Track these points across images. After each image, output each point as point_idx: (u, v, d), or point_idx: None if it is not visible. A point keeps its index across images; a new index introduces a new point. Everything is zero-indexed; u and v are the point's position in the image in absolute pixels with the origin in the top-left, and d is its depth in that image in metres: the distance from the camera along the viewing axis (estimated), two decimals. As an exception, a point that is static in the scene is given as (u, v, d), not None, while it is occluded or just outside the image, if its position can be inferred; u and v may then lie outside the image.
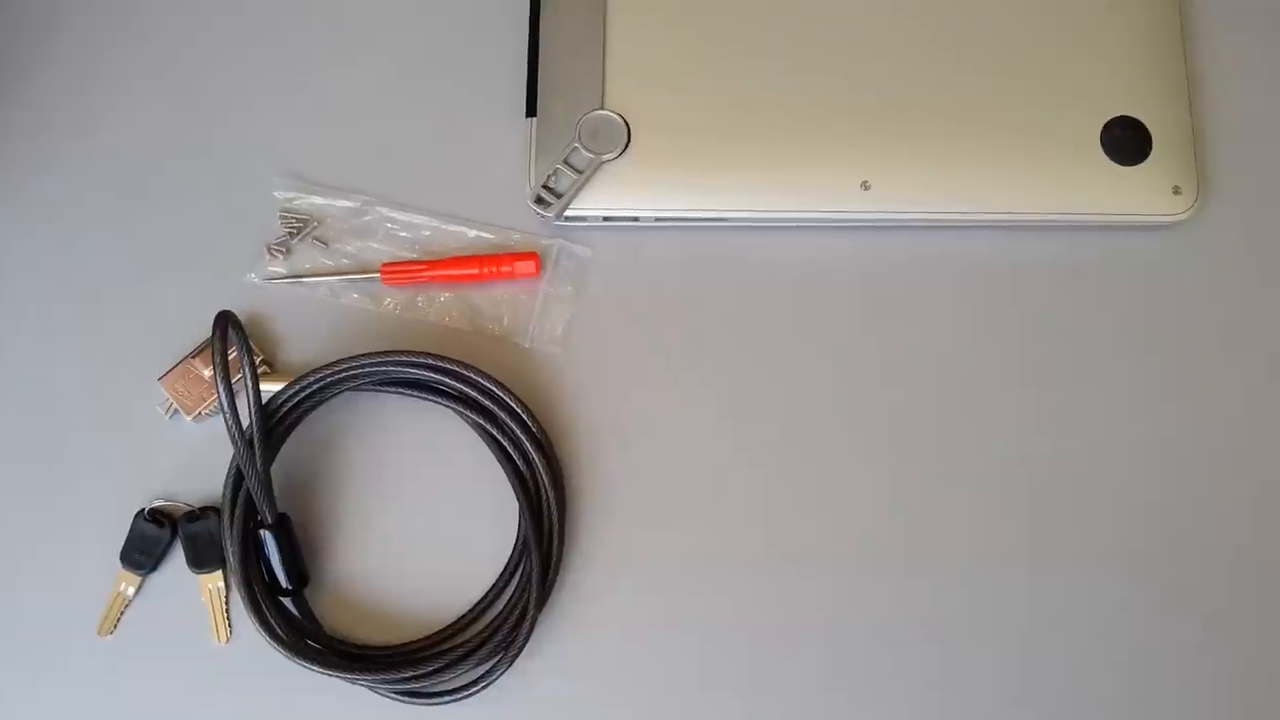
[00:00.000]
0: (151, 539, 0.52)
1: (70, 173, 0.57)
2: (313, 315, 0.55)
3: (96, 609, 0.52)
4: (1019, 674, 0.52)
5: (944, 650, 0.52)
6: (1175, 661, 0.52)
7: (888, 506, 0.53)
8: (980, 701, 0.51)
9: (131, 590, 0.52)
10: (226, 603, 0.52)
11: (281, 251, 0.56)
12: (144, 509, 0.52)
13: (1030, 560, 0.53)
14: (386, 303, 0.55)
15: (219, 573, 0.52)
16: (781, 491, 0.53)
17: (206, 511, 0.52)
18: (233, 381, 0.49)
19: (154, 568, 0.52)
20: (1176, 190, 0.55)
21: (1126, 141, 0.55)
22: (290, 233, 0.56)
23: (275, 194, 0.56)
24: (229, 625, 0.52)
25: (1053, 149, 0.54)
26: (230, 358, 0.49)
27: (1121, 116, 0.55)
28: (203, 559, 0.52)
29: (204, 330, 0.50)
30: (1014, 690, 0.52)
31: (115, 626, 0.52)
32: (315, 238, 0.56)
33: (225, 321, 0.49)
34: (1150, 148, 0.55)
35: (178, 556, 0.52)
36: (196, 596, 0.52)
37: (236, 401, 0.48)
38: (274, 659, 0.49)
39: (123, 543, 0.52)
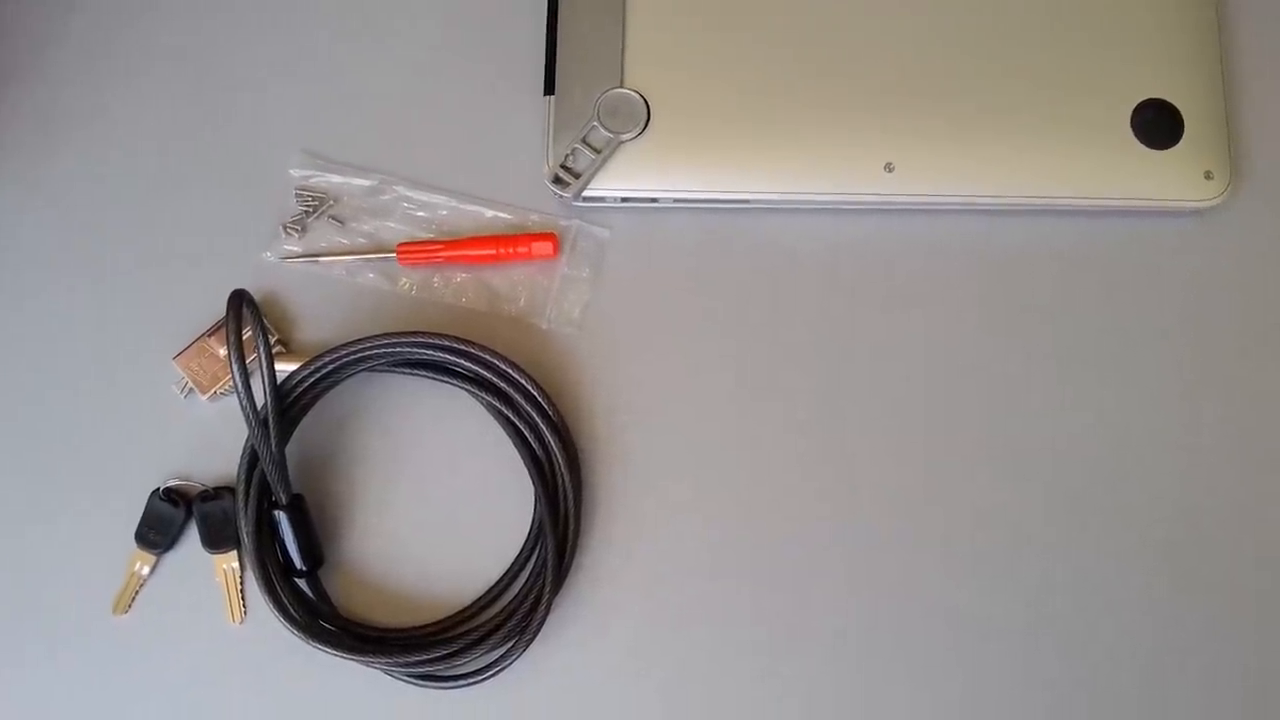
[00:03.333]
0: (166, 518, 0.52)
1: (87, 150, 0.56)
2: (328, 295, 0.55)
3: (111, 588, 0.52)
4: (1040, 664, 0.51)
5: (965, 637, 0.51)
6: (1203, 653, 0.51)
7: (908, 492, 0.53)
8: (1004, 694, 0.51)
9: (146, 569, 0.52)
10: (241, 583, 0.52)
11: (297, 230, 0.55)
12: (159, 488, 0.52)
13: (1054, 550, 0.52)
14: (402, 283, 0.55)
15: (233, 553, 0.52)
16: (799, 475, 0.53)
17: (221, 491, 0.52)
18: (247, 361, 0.48)
19: (169, 547, 0.52)
20: (1208, 175, 0.54)
21: (1158, 125, 0.54)
22: (306, 211, 0.55)
23: (291, 172, 0.56)
24: (243, 606, 0.51)
25: (1082, 132, 0.53)
26: (245, 337, 0.48)
27: (1153, 99, 0.54)
28: (217, 539, 0.52)
29: (219, 309, 0.50)
30: (1036, 679, 0.51)
31: (130, 605, 0.52)
32: (331, 216, 0.55)
33: (240, 300, 0.48)
34: (1182, 131, 0.54)
35: (192, 536, 0.52)
36: (211, 576, 0.52)
37: (251, 381, 0.48)
38: (288, 640, 0.49)
39: (138, 522, 0.52)
